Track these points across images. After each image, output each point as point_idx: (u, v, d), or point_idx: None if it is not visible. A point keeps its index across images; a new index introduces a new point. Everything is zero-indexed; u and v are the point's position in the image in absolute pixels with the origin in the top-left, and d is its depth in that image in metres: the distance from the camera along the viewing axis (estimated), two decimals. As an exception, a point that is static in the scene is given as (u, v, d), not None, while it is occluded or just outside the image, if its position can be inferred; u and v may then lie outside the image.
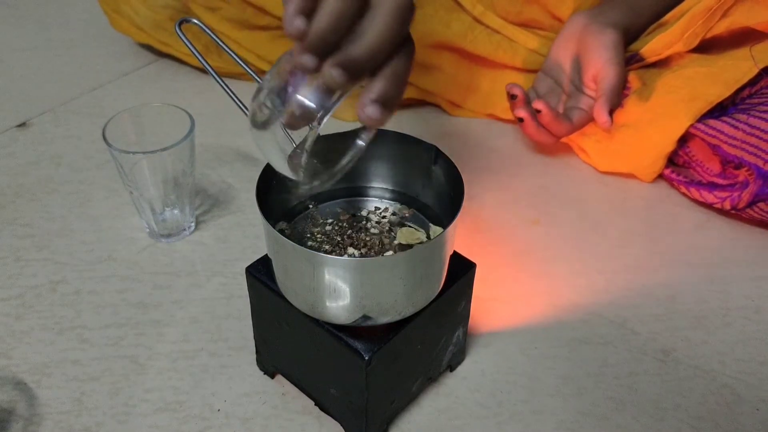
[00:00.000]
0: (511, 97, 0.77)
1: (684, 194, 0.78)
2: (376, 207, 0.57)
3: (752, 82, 0.73)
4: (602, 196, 0.79)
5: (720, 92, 0.73)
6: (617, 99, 0.77)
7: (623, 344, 0.63)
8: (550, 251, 0.72)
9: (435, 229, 0.55)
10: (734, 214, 0.75)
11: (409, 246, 0.53)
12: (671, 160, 0.79)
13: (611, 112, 0.76)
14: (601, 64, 0.76)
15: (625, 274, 0.70)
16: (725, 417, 0.57)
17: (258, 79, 0.58)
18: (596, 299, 0.67)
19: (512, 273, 0.69)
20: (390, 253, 0.52)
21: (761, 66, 0.72)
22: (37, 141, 0.85)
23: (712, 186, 0.75)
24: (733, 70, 0.73)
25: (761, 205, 0.70)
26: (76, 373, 0.59)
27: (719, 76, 0.74)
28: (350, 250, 0.51)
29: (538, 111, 0.75)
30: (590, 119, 0.79)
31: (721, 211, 0.77)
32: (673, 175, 0.78)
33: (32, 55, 1.03)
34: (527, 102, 0.77)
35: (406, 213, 0.56)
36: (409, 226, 0.55)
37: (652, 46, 0.78)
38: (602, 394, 0.58)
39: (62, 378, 0.58)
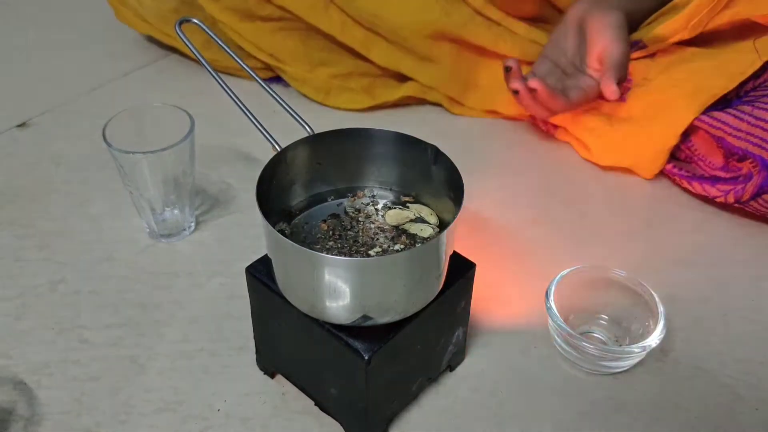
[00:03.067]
0: (506, 69, 0.76)
1: (686, 189, 0.78)
2: (352, 195, 0.57)
3: (756, 75, 0.73)
4: (602, 196, 0.79)
5: (724, 85, 0.73)
6: (624, 73, 0.76)
7: (623, 344, 0.63)
8: (550, 251, 0.72)
9: (416, 208, 0.55)
10: (736, 210, 0.75)
11: (399, 226, 0.54)
12: (673, 155, 0.79)
13: (618, 85, 0.75)
14: (606, 42, 0.75)
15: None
16: (725, 417, 0.57)
17: (257, 78, 0.58)
18: (596, 299, 0.67)
19: (512, 273, 0.69)
20: (398, 247, 0.52)
21: (765, 58, 0.71)
22: (37, 141, 0.85)
23: (714, 179, 0.74)
24: (736, 63, 0.73)
25: (766, 197, 0.70)
26: (76, 373, 0.59)
27: (723, 69, 0.74)
28: (371, 252, 0.51)
29: (534, 90, 0.74)
30: (588, 98, 0.78)
31: (721, 211, 0.76)
32: (675, 170, 0.78)
33: (32, 55, 1.03)
34: (522, 76, 0.76)
35: (405, 199, 0.57)
36: (396, 208, 0.55)
37: (657, 34, 0.78)
38: (602, 394, 0.58)
39: (62, 378, 0.58)
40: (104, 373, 0.59)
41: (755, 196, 0.70)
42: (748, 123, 0.70)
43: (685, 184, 0.77)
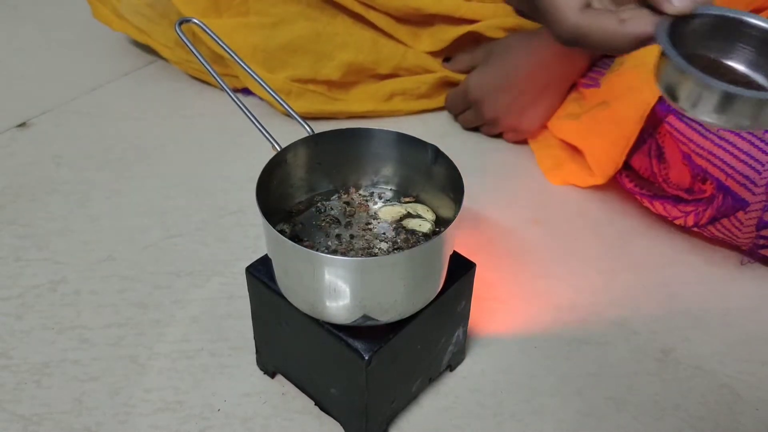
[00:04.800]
0: None
1: (647, 208, 0.74)
2: (338, 195, 0.57)
3: None
4: (602, 196, 0.79)
5: None
6: None
7: (623, 344, 0.63)
8: (550, 251, 0.72)
9: (412, 206, 0.56)
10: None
11: (398, 222, 0.54)
12: (637, 174, 0.75)
13: None
14: None
15: (625, 273, 0.70)
16: (725, 417, 0.57)
17: (257, 78, 0.58)
18: (596, 299, 0.67)
19: (512, 273, 0.69)
20: (399, 240, 0.52)
21: None
22: (37, 141, 0.85)
23: (677, 200, 0.71)
24: None
25: (724, 221, 0.67)
26: (76, 373, 0.59)
27: None
28: (371, 252, 0.51)
29: None
30: None
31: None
32: (637, 189, 0.74)
33: (32, 55, 1.03)
34: None
35: (406, 199, 0.57)
36: (390, 205, 0.56)
37: None
38: (602, 394, 0.58)
39: (62, 378, 0.58)
40: (104, 373, 0.59)
41: (713, 220, 0.68)
42: (712, 142, 0.67)
43: (646, 203, 0.74)
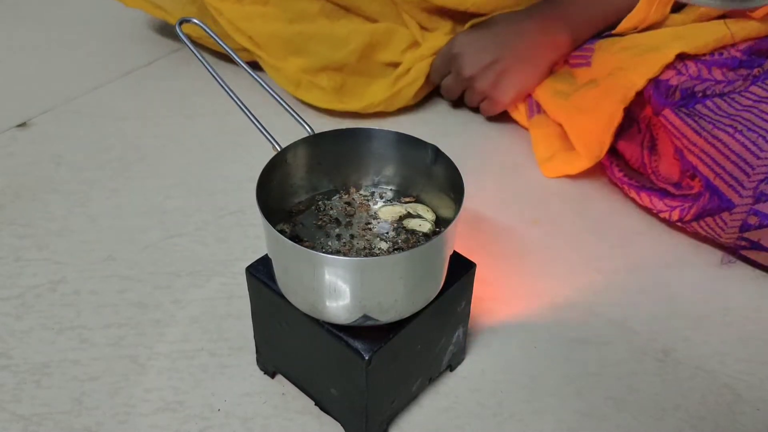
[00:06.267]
0: None
1: (633, 200, 0.75)
2: (339, 195, 0.57)
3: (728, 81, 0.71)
4: (602, 196, 0.79)
5: (684, 46, 0.71)
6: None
7: (623, 344, 0.63)
8: (550, 251, 0.72)
9: (412, 206, 0.56)
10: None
11: (398, 222, 0.54)
12: (626, 164, 0.75)
13: None
14: None
15: (625, 274, 0.70)
16: (725, 417, 0.57)
17: (257, 78, 0.58)
18: (596, 299, 0.67)
19: (512, 273, 0.69)
20: (399, 240, 0.52)
21: (738, 39, 0.70)
22: (37, 141, 0.85)
23: (663, 193, 0.71)
24: (704, 33, 0.72)
25: (708, 219, 0.67)
26: (76, 373, 0.59)
27: (686, 33, 0.73)
28: (372, 252, 0.51)
29: None
30: None
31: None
32: (626, 179, 0.74)
33: (32, 55, 1.03)
34: None
35: (406, 199, 0.57)
36: (390, 205, 0.56)
37: (624, 25, 0.78)
38: (602, 394, 0.58)
39: (62, 378, 0.58)
40: (104, 373, 0.59)
41: (697, 217, 0.68)
42: (705, 140, 0.67)
43: (633, 194, 0.74)
